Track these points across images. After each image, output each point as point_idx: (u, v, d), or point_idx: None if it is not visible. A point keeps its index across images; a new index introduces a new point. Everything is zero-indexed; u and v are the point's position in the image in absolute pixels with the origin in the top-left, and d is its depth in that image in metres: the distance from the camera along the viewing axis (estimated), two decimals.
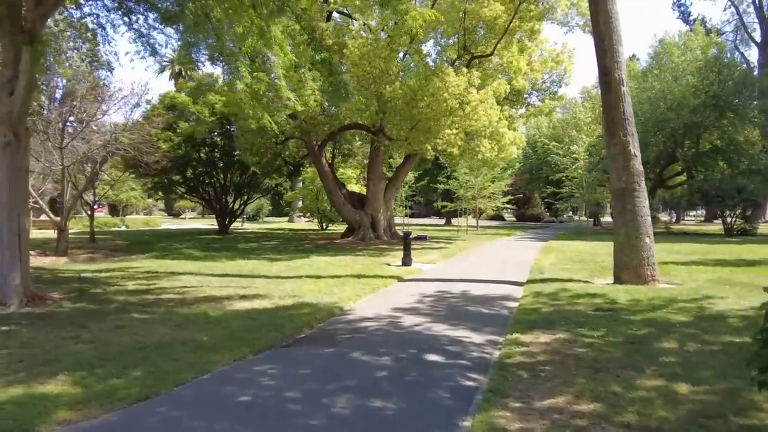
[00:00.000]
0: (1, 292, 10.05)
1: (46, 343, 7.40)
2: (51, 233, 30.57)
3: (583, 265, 17.41)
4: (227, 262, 17.99)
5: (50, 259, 18.04)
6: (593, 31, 14.39)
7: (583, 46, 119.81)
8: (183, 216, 64.21)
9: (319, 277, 14.43)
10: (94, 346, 7.28)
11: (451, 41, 26.23)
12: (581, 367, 6.56)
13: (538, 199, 69.86)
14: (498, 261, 19.70)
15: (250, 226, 45.20)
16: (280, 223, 51.54)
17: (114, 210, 59.64)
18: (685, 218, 78.49)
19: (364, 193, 30.10)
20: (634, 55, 58.79)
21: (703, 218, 77.34)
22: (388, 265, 17.58)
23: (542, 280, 13.89)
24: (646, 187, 14.16)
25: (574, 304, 10.57)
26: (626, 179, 13.60)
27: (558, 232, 40.06)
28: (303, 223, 49.62)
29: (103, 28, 10.33)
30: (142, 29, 10.01)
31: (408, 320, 9.29)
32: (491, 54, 24.94)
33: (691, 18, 63.28)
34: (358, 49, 21.11)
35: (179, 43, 12.25)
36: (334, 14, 25.74)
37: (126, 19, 9.86)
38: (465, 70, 21.71)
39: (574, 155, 35.10)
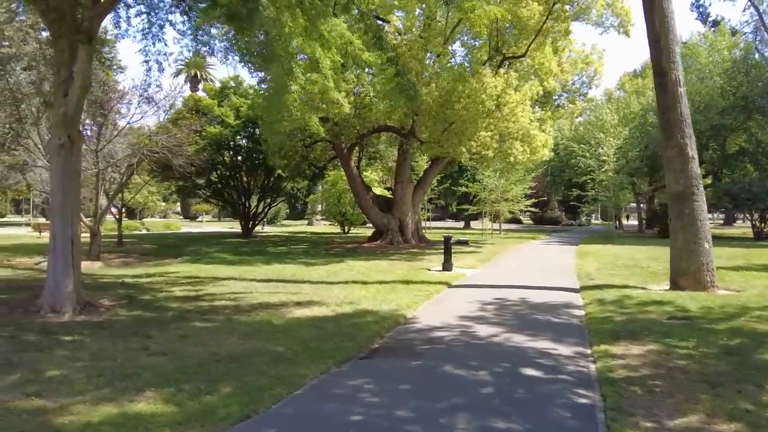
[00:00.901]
0: (54, 299, 9.74)
1: (117, 354, 7.05)
2: None
3: (630, 270, 16.94)
4: (264, 266, 17.67)
5: (85, 264, 17.66)
6: (648, 32, 13.94)
7: (610, 47, 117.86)
8: (200, 219, 64.03)
9: (365, 282, 14.05)
10: (168, 358, 6.93)
11: (477, 42, 25.82)
12: (693, 381, 6.15)
13: (554, 202, 69.26)
14: (538, 265, 19.26)
15: (270, 230, 44.88)
16: (299, 227, 51.22)
17: (131, 213, 59.49)
18: None
19: (389, 197, 29.75)
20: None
21: (722, 221, 76.39)
22: (429, 270, 17.20)
23: (597, 287, 13.44)
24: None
25: (645, 312, 10.15)
26: (684, 182, 13.14)
27: (583, 236, 39.53)
28: (323, 227, 49.28)
29: (161, 28, 9.95)
30: (201, 31, 9.68)
31: (481, 330, 8.88)
32: (523, 55, 24.48)
33: (710, 19, 62.51)
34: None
35: (224, 43, 11.99)
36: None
37: (185, 16, 9.56)
38: (501, 71, 21.31)
39: (603, 158, 34.58)
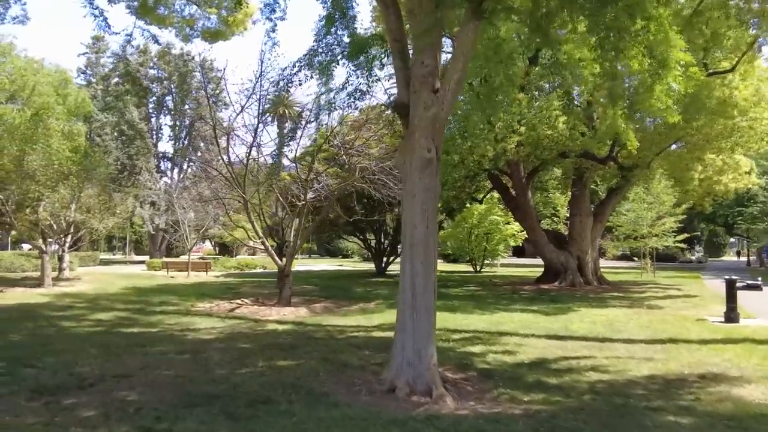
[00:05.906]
0: (415, 373, 6.97)
1: None
2: (199, 277, 28.35)
3: None
4: (490, 315, 14.81)
5: (288, 310, 15.17)
6: None
7: None
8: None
9: (679, 341, 11.06)
10: None
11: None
12: None
13: None
14: None
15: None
16: None
17: (225, 249, 57.55)
18: None
19: (560, 232, 26.62)
20: None
21: None
22: (707, 320, 14.04)
23: None
24: None
25: None
26: None
27: (745, 275, 35.36)
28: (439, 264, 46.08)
29: None
30: None
31: None
32: (732, 70, 21.16)
33: None
34: None
35: None
36: None
37: None
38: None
39: None
